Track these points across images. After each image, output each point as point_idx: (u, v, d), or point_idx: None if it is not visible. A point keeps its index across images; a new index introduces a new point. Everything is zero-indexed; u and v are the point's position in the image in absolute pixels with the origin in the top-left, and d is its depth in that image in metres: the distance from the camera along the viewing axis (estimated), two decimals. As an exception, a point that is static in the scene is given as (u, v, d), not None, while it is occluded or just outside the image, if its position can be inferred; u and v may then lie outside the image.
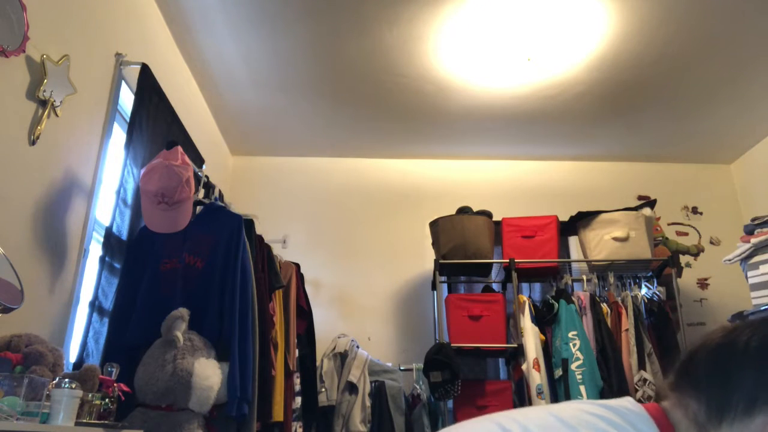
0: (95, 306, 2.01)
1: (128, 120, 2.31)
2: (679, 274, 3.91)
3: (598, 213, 3.44)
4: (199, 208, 2.31)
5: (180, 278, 2.08)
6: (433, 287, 3.41)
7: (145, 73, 2.40)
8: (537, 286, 3.80)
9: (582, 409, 0.66)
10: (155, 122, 2.50)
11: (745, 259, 2.86)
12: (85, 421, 1.46)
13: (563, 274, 3.42)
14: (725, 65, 3.13)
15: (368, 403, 3.17)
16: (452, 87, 3.34)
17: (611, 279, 3.31)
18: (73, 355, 1.95)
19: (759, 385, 0.62)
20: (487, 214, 3.48)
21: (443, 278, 3.69)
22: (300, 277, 3.08)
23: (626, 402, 0.68)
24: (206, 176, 2.53)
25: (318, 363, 3.28)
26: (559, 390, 2.91)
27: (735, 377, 0.64)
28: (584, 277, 3.36)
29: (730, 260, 2.94)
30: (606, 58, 3.07)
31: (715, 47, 2.98)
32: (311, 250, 3.96)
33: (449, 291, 3.79)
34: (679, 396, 0.68)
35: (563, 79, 3.25)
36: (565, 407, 0.68)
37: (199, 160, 3.17)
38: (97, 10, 2.15)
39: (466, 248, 3.31)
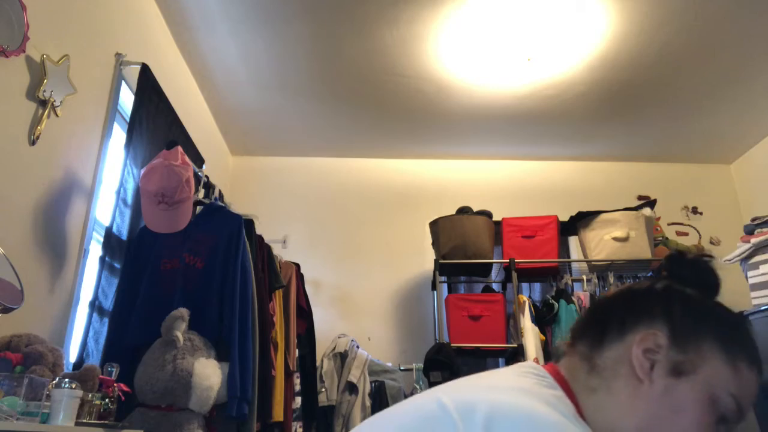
0: (95, 306, 2.01)
1: (128, 120, 2.31)
2: (679, 274, 3.91)
3: (598, 213, 3.44)
4: (199, 208, 2.31)
5: (180, 278, 2.08)
6: (433, 287, 3.41)
7: (145, 73, 2.39)
8: (537, 286, 3.80)
9: (514, 371, 0.73)
10: (155, 122, 2.50)
11: (745, 259, 2.86)
12: (85, 421, 1.46)
13: (563, 274, 3.42)
14: (725, 65, 3.13)
15: (368, 403, 3.17)
16: (452, 87, 3.34)
17: (611, 279, 3.31)
18: (73, 355, 1.95)
19: (625, 313, 0.75)
20: (487, 214, 3.48)
21: (443, 278, 3.69)
22: (300, 277, 3.08)
23: (526, 363, 0.76)
24: (206, 176, 2.53)
25: (318, 363, 3.28)
26: (559, 390, 2.91)
27: (608, 314, 0.77)
28: (584, 277, 3.36)
29: (730, 260, 2.94)
30: (606, 58, 3.07)
31: (715, 47, 2.98)
32: (311, 250, 3.96)
33: (449, 291, 3.79)
34: (571, 348, 0.78)
35: (563, 79, 3.25)
36: (492, 375, 0.74)
37: (199, 160, 3.17)
38: (97, 10, 2.15)
39: (466, 248, 3.31)
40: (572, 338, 0.79)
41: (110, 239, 2.10)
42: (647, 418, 0.67)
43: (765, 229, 2.82)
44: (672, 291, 0.75)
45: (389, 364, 3.42)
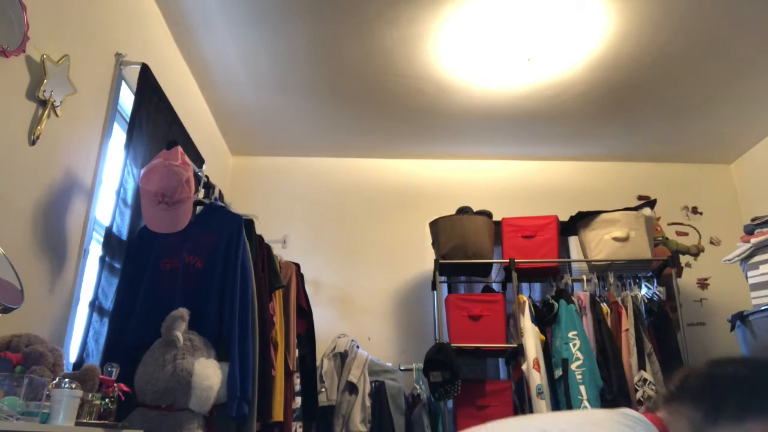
0: (95, 306, 2.01)
1: (128, 120, 2.31)
2: (679, 274, 3.91)
3: (598, 213, 3.44)
4: (199, 208, 2.31)
5: (180, 278, 2.08)
6: (433, 287, 3.41)
7: (145, 73, 2.39)
8: (537, 286, 3.80)
9: (611, 418, 0.75)
10: (155, 122, 2.50)
11: (745, 259, 2.86)
12: (85, 421, 1.46)
13: (563, 274, 3.42)
14: (725, 65, 3.13)
15: (368, 403, 3.17)
16: (452, 87, 3.34)
17: (611, 279, 3.31)
18: (73, 355, 1.95)
19: (748, 398, 0.74)
20: (487, 214, 3.48)
21: (443, 278, 3.69)
22: (300, 277, 3.08)
23: (630, 412, 0.77)
24: (206, 176, 2.53)
25: (318, 363, 3.28)
26: (559, 390, 2.91)
27: (728, 392, 0.76)
28: (584, 277, 3.35)
29: (730, 260, 2.94)
30: (606, 58, 3.07)
31: (714, 47, 2.98)
32: (311, 250, 3.96)
33: (449, 291, 3.79)
34: (676, 406, 0.78)
35: (563, 79, 3.25)
36: (595, 413, 0.77)
37: (199, 160, 3.17)
38: (97, 10, 2.15)
39: (466, 248, 3.31)
40: (677, 397, 0.79)
41: (110, 239, 2.10)
42: None
43: (765, 229, 2.82)
44: None
45: (389, 364, 3.42)
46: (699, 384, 0.79)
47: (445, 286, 3.78)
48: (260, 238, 2.52)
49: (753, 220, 2.93)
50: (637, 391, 2.90)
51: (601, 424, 0.73)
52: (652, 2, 2.67)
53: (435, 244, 3.48)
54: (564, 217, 3.55)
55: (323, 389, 3.21)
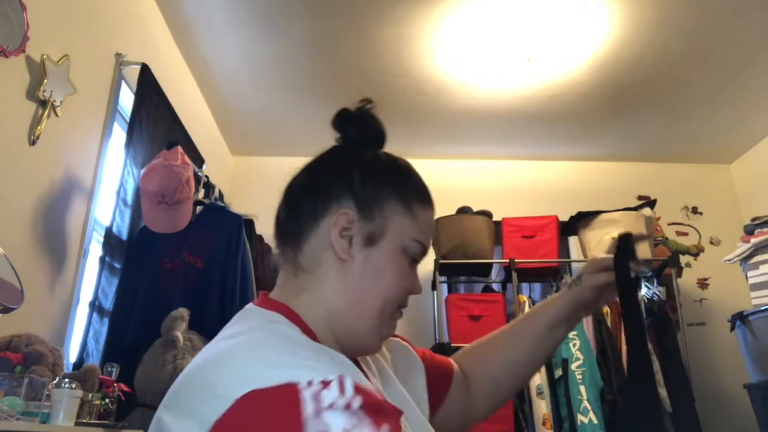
0: (95, 306, 2.01)
1: (128, 120, 2.31)
2: (679, 274, 3.91)
3: (598, 213, 3.44)
4: (199, 208, 2.31)
5: (180, 278, 2.08)
6: (433, 287, 3.42)
7: (145, 73, 2.39)
8: (537, 286, 3.79)
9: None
10: (155, 122, 2.49)
11: (745, 259, 2.86)
12: (85, 421, 1.46)
13: (563, 274, 3.42)
14: (725, 66, 3.13)
15: (368, 403, 3.17)
16: (452, 87, 3.34)
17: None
18: (73, 355, 1.95)
19: (315, 200, 0.73)
20: (487, 214, 3.48)
21: (443, 278, 3.69)
22: (300, 277, 3.07)
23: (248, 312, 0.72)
24: (206, 176, 2.53)
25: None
26: (559, 390, 2.91)
27: (299, 207, 0.75)
28: (584, 277, 3.35)
29: (730, 260, 2.94)
30: (606, 59, 3.07)
31: (714, 48, 2.98)
32: (311, 250, 3.95)
33: (449, 291, 3.79)
34: (281, 256, 0.75)
35: (563, 79, 3.25)
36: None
37: (199, 160, 3.17)
38: (97, 10, 2.15)
39: (466, 248, 3.31)
40: (278, 245, 0.76)
41: (110, 239, 2.10)
42: (356, 291, 0.69)
43: (765, 229, 2.82)
44: (349, 161, 0.76)
45: (389, 364, 3.42)
46: (281, 220, 0.77)
47: (445, 286, 3.78)
48: (260, 238, 2.52)
49: (753, 220, 2.93)
50: (637, 391, 2.90)
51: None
52: (653, 3, 2.67)
53: (435, 244, 3.48)
54: (564, 217, 3.55)
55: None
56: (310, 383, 0.50)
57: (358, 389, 0.52)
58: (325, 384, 0.51)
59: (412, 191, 0.74)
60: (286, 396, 0.50)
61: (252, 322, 0.66)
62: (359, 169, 0.75)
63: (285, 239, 0.75)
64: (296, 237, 0.73)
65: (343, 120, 0.81)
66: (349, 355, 0.68)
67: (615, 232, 3.42)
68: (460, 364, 0.94)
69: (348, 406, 0.50)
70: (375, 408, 0.51)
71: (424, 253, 0.74)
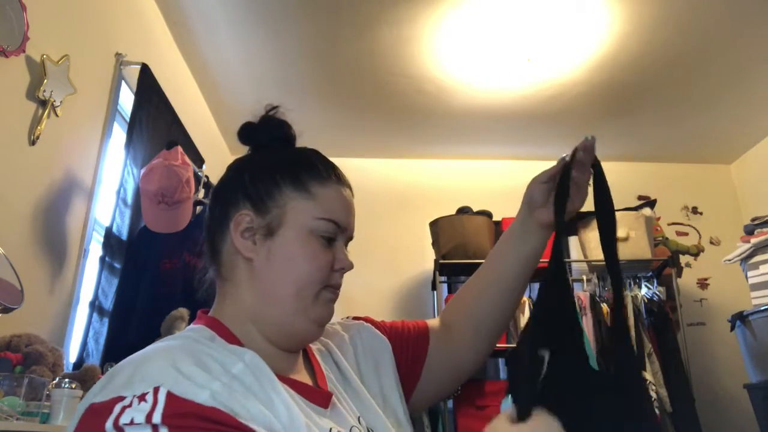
0: (95, 306, 2.01)
1: (128, 120, 2.31)
2: (679, 274, 3.91)
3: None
4: (199, 208, 2.31)
5: (180, 278, 2.08)
6: (433, 287, 3.41)
7: (145, 73, 2.39)
8: (537, 286, 3.79)
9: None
10: (155, 122, 2.49)
11: (745, 259, 2.86)
12: (85, 421, 1.46)
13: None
14: (725, 65, 3.13)
15: (368, 403, 3.16)
16: (452, 87, 3.34)
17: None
18: (73, 355, 1.95)
19: (218, 212, 0.76)
20: (487, 214, 3.48)
21: (443, 278, 3.68)
22: (300, 277, 3.07)
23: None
24: (206, 176, 2.53)
25: (318, 363, 3.27)
26: (559, 390, 2.91)
27: (210, 223, 0.77)
28: (584, 277, 3.35)
29: (730, 260, 2.94)
30: (606, 59, 3.07)
31: (714, 48, 2.98)
32: (311, 250, 3.95)
33: (449, 291, 3.79)
34: (213, 276, 0.79)
35: (563, 79, 3.25)
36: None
37: (199, 160, 3.17)
38: (97, 10, 2.15)
39: (466, 248, 3.31)
40: (207, 265, 0.79)
41: (110, 239, 2.10)
42: (266, 283, 0.71)
43: (765, 229, 2.82)
44: (240, 168, 0.78)
45: (389, 364, 3.42)
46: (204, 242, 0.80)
47: (445, 286, 3.78)
48: (260, 238, 2.51)
49: (753, 220, 2.93)
50: (637, 391, 2.90)
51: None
52: (652, 2, 2.67)
53: (435, 244, 3.48)
54: (564, 217, 3.54)
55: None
56: (135, 397, 0.54)
57: (170, 400, 0.54)
58: (141, 397, 0.54)
59: (305, 172, 0.75)
60: (107, 409, 0.53)
61: (168, 341, 0.69)
62: (249, 170, 0.77)
63: (209, 258, 0.78)
64: (214, 252, 0.76)
65: (247, 132, 0.81)
66: (289, 348, 0.74)
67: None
68: (443, 319, 0.96)
69: (149, 418, 0.52)
70: (178, 416, 0.53)
71: (339, 228, 0.75)
